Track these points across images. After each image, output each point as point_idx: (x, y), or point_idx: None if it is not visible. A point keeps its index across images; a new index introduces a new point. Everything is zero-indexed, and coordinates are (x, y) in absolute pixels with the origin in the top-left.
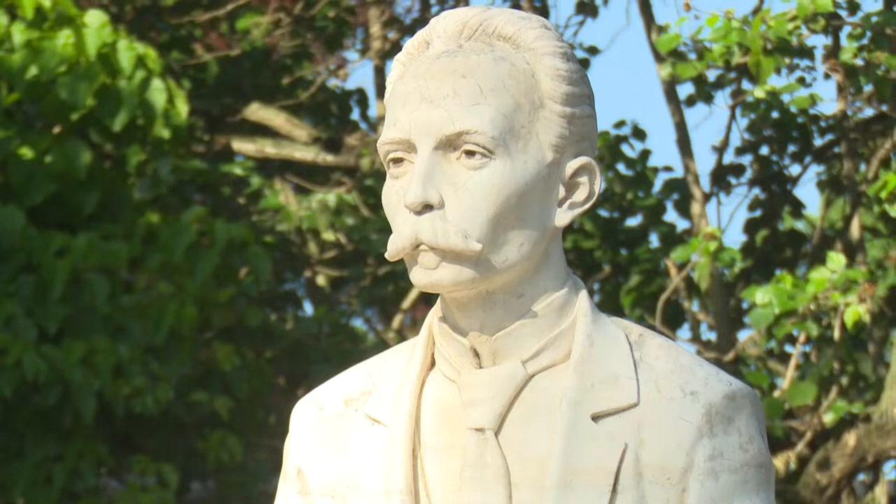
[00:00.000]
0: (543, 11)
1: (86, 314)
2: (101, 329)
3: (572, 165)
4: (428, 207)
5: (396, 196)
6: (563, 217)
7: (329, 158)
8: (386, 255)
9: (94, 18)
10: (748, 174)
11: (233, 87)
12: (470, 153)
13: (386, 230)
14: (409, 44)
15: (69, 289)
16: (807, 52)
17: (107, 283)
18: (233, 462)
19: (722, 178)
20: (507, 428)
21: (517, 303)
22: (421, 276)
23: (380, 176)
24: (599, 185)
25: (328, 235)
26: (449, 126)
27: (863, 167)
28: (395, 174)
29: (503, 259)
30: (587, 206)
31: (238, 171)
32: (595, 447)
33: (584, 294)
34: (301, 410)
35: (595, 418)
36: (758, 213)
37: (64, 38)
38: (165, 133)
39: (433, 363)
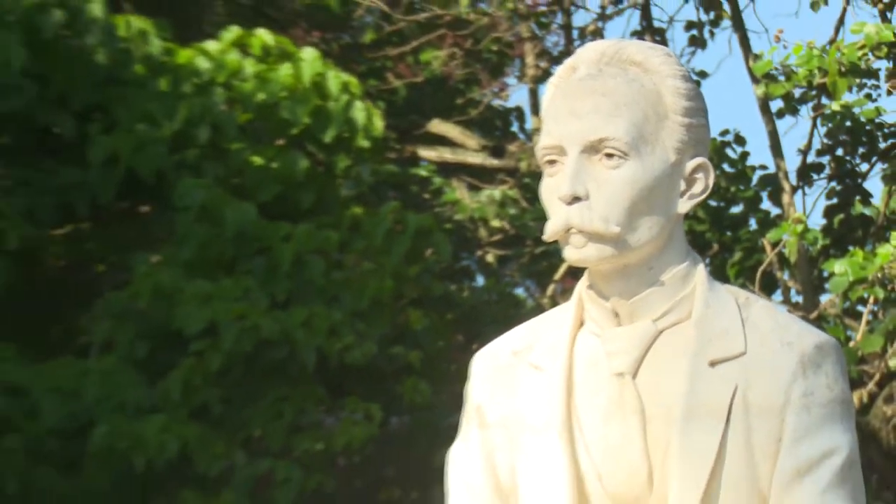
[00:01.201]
0: (663, 43)
1: (306, 287)
2: (319, 298)
3: (691, 165)
4: (576, 199)
5: (551, 190)
6: (684, 206)
7: (494, 162)
8: (543, 237)
9: (309, 54)
10: (826, 171)
11: (417, 107)
12: (609, 155)
13: (541, 218)
14: (560, 69)
15: (293, 267)
16: (873, 74)
17: (322, 262)
18: (423, 402)
19: (806, 174)
20: (642, 373)
21: (648, 274)
22: (572, 254)
23: (535, 176)
24: (712, 180)
25: (495, 223)
26: (592, 134)
27: None
28: (550, 173)
29: (637, 239)
30: (703, 196)
31: (423, 173)
32: (711, 388)
33: (701, 266)
34: (478, 361)
35: (712, 364)
36: (834, 201)
37: (285, 69)
38: (365, 143)
39: (582, 323)
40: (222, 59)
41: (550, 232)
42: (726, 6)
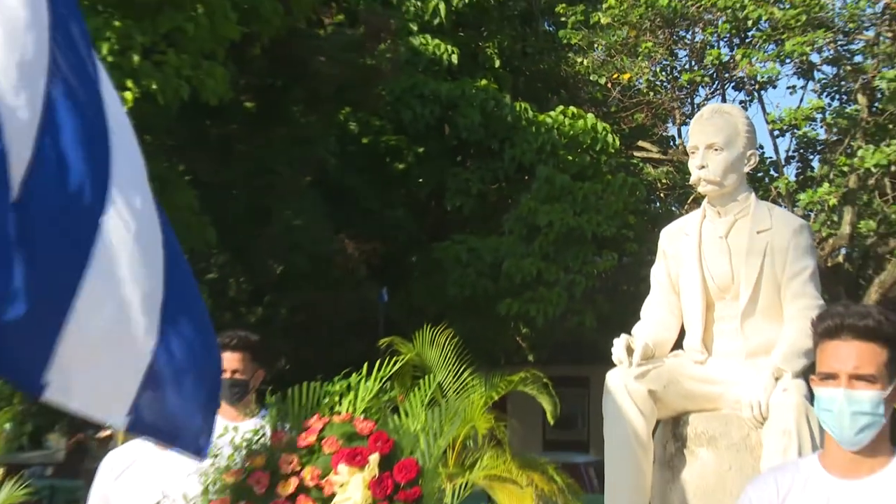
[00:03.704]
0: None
1: (587, 206)
2: (592, 210)
3: (749, 152)
4: (703, 167)
5: (693, 163)
6: (746, 168)
7: (663, 157)
8: (690, 182)
9: (591, 117)
10: (796, 158)
11: (633, 136)
12: (716, 149)
13: (685, 178)
14: (696, 117)
15: (583, 199)
16: (814, 119)
17: (593, 196)
18: (634, 251)
19: (788, 160)
20: (730, 236)
21: (731, 196)
22: (701, 189)
23: (682, 162)
24: (756, 159)
25: (663, 180)
26: (710, 140)
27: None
28: (692, 157)
29: (727, 183)
30: (754, 166)
31: (635, 161)
32: (758, 241)
33: (753, 194)
34: (664, 232)
35: (758, 232)
36: (800, 170)
37: (581, 122)
38: (612, 150)
39: (704, 216)
40: (556, 118)
41: (692, 181)
42: (756, 95)
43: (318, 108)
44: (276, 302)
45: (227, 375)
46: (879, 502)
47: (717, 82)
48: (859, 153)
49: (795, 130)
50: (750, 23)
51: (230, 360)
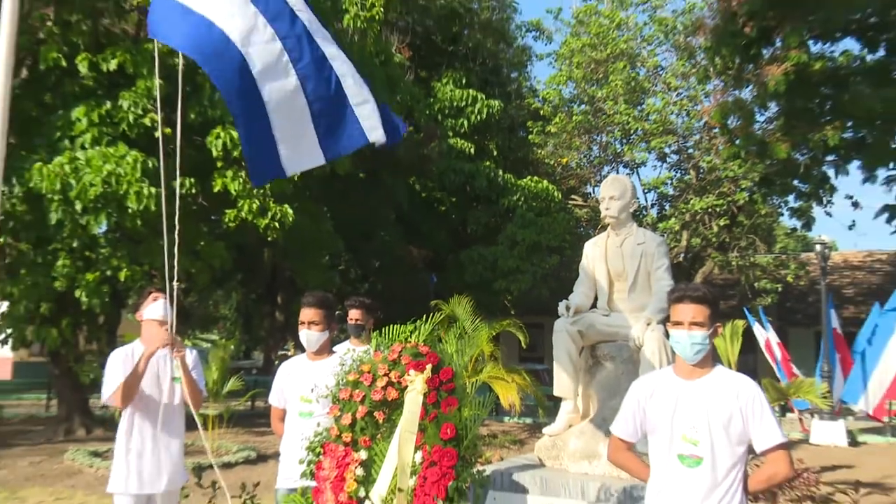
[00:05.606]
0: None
1: (547, 229)
2: (544, 231)
3: (633, 201)
4: (608, 209)
5: (602, 207)
6: (631, 209)
7: (585, 203)
8: (601, 217)
9: (546, 181)
10: (656, 205)
11: (569, 192)
12: (615, 199)
13: (597, 215)
14: (604, 182)
15: (536, 225)
16: (666, 183)
17: (546, 225)
18: (569, 256)
19: (652, 206)
20: (623, 246)
21: (623, 224)
22: (607, 221)
23: (595, 205)
24: (637, 205)
25: (584, 216)
26: (611, 194)
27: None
28: (602, 203)
29: (622, 217)
30: (635, 208)
31: (569, 206)
32: (637, 249)
33: (635, 223)
34: (587, 244)
35: (638, 244)
36: (658, 204)
37: (542, 185)
38: (557, 199)
39: (609, 235)
40: (527, 183)
41: (602, 216)
42: (635, 170)
43: (398, 177)
44: (375, 281)
45: (353, 322)
46: (706, 393)
47: (613, 163)
48: (691, 202)
49: (656, 190)
50: (631, 131)
51: (357, 314)
